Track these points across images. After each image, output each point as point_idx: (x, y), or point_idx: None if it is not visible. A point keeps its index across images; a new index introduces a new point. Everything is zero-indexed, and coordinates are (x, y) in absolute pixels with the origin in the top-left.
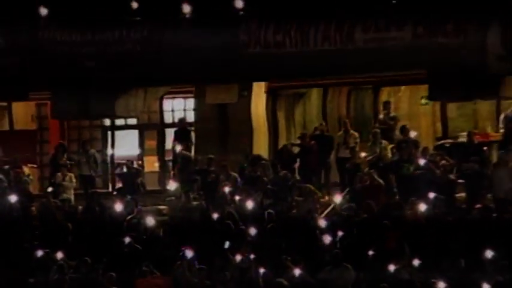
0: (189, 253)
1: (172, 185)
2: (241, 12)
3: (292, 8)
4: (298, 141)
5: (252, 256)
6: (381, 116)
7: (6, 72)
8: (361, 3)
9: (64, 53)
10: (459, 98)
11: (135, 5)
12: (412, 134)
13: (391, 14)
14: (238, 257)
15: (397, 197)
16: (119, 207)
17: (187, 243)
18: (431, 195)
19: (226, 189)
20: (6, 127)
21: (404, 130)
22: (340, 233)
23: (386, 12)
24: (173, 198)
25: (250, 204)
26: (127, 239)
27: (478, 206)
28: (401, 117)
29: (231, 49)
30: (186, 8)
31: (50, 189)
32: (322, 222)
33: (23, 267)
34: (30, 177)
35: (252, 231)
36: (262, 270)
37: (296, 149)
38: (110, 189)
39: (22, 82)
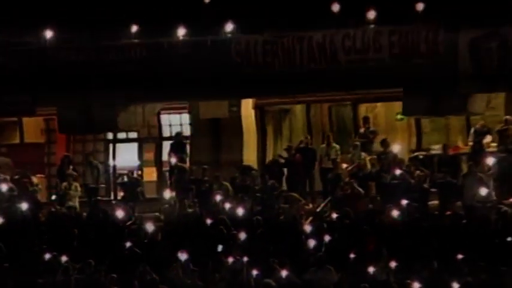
0: (184, 256)
1: (167, 194)
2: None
3: (279, 28)
4: (285, 154)
5: (242, 259)
6: (361, 130)
7: (15, 90)
8: (344, 26)
9: (70, 72)
10: (432, 114)
11: (134, 28)
12: (395, 148)
13: (371, 37)
14: (230, 260)
15: (371, 205)
16: (120, 213)
17: (182, 246)
18: (406, 202)
19: (219, 197)
20: (17, 140)
21: (384, 143)
22: (323, 237)
23: (367, 36)
24: (168, 205)
25: (240, 211)
26: (128, 243)
27: (449, 212)
28: (379, 132)
29: (225, 69)
30: (181, 31)
31: (53, 197)
32: (307, 228)
33: (32, 269)
34: (39, 186)
35: (242, 235)
36: (254, 272)
37: (282, 160)
38: (112, 198)
39: (31, 99)
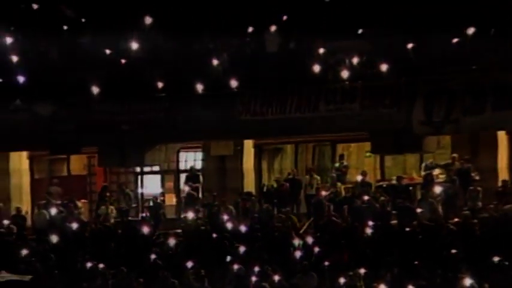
0: (196, 264)
1: (185, 215)
2: (236, 89)
3: (273, 86)
4: (275, 183)
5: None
6: (337, 165)
7: (65, 134)
8: (325, 82)
9: (108, 119)
10: (393, 152)
11: (160, 84)
12: (359, 177)
13: (346, 92)
14: (234, 267)
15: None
16: (146, 230)
17: (196, 257)
18: (373, 222)
19: (225, 218)
20: (65, 173)
21: (363, 173)
22: (307, 250)
23: (343, 90)
24: (185, 224)
25: (243, 229)
26: (153, 256)
27: (407, 229)
28: (352, 166)
29: (231, 117)
30: (199, 87)
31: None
32: (295, 241)
33: (77, 275)
34: (82, 209)
35: (243, 248)
36: (253, 278)
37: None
38: (140, 218)
39: (76, 141)
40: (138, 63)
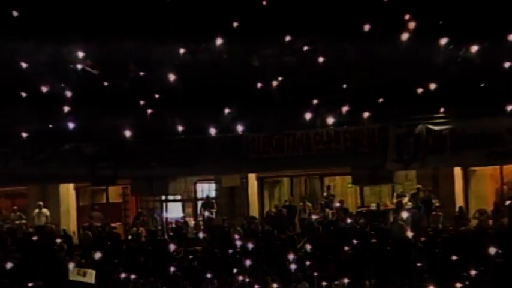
0: (211, 275)
1: (203, 235)
2: (242, 133)
3: (273, 130)
4: (275, 209)
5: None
6: (325, 194)
7: (104, 169)
8: (315, 127)
9: (139, 157)
10: (370, 184)
11: (180, 128)
12: (337, 204)
13: (332, 135)
14: (240, 278)
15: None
16: (172, 247)
17: (210, 269)
18: (355, 241)
19: (236, 237)
20: (104, 201)
21: (340, 201)
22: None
23: (330, 134)
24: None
25: (249, 246)
26: (172, 268)
27: (383, 246)
28: (337, 195)
29: (239, 155)
30: (213, 131)
31: (129, 237)
32: (290, 256)
33: (114, 284)
34: (118, 231)
35: (249, 261)
36: (256, 286)
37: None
38: (166, 237)
39: (113, 175)
40: (162, 113)
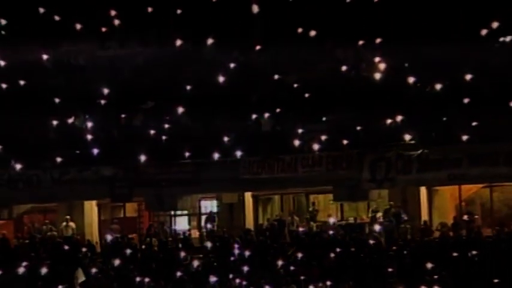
0: (214, 279)
1: (207, 244)
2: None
3: (266, 154)
4: (267, 222)
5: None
6: (310, 209)
7: (122, 188)
8: (302, 152)
9: (151, 179)
10: (349, 200)
11: (187, 153)
12: (331, 220)
13: (316, 159)
14: (237, 281)
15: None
16: (181, 255)
17: (213, 273)
18: (338, 249)
19: (235, 246)
20: (122, 215)
21: (328, 216)
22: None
23: (314, 158)
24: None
25: (246, 254)
26: (179, 273)
27: (361, 255)
28: (320, 210)
29: (237, 176)
30: (215, 156)
31: (143, 246)
32: (279, 263)
33: (130, 287)
34: (134, 240)
35: (246, 267)
36: None
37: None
38: (175, 246)
39: (130, 193)
40: (172, 140)
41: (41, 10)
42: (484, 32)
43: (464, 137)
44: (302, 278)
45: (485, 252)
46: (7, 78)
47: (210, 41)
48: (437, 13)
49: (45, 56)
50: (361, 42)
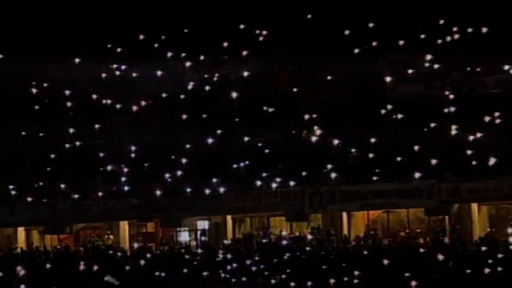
0: (206, 273)
1: (200, 250)
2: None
3: (240, 189)
4: (241, 235)
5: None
6: (271, 229)
7: (145, 212)
8: (264, 188)
9: (164, 206)
10: (295, 221)
11: (188, 190)
12: (284, 233)
13: (272, 193)
14: (223, 275)
15: None
16: (186, 257)
17: (206, 270)
18: (288, 254)
19: (220, 252)
20: (144, 230)
21: (280, 231)
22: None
23: (269, 193)
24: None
25: (228, 256)
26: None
27: (303, 256)
28: (277, 227)
29: (220, 205)
30: (207, 191)
31: (158, 251)
32: (253, 268)
33: (148, 281)
34: (152, 248)
35: (229, 266)
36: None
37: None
38: (182, 251)
39: (149, 216)
40: (177, 179)
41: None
42: None
43: (375, 178)
44: (266, 273)
45: (383, 254)
46: None
47: None
48: None
49: None
50: (307, 116)
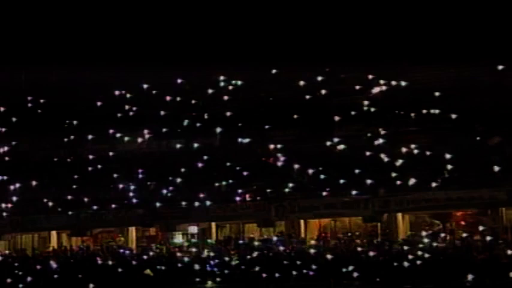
0: (197, 267)
1: (192, 249)
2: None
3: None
4: (222, 238)
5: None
6: (246, 234)
7: (147, 220)
8: (240, 201)
9: (163, 214)
10: (265, 227)
11: (182, 203)
12: (255, 237)
13: (248, 206)
14: (208, 268)
15: None
16: (186, 258)
17: (196, 263)
18: (257, 252)
19: (205, 250)
20: (147, 234)
21: (252, 234)
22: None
23: (247, 206)
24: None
25: (211, 254)
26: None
27: (270, 255)
28: (250, 232)
29: (206, 214)
30: (196, 204)
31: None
32: (227, 259)
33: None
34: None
35: (212, 262)
36: None
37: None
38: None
39: (151, 223)
40: (176, 193)
41: None
42: None
43: (323, 194)
44: (242, 267)
45: (330, 252)
46: None
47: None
48: None
49: None
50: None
